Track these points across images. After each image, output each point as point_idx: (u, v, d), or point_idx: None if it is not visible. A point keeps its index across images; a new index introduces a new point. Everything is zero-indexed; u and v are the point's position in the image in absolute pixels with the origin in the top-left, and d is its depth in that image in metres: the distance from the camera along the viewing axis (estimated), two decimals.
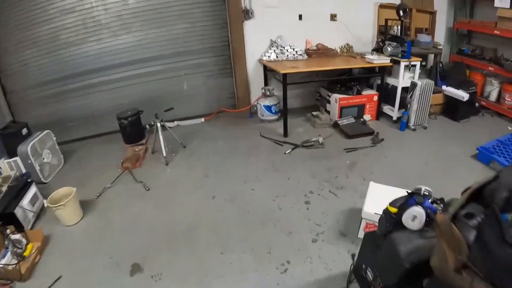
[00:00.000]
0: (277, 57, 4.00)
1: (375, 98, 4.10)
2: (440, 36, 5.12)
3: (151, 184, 3.04)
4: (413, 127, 3.99)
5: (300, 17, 4.18)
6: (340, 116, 4.05)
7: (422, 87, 3.72)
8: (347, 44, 4.49)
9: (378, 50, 4.05)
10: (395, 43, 3.72)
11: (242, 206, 2.72)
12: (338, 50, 4.46)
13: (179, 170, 3.31)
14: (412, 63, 3.77)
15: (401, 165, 3.27)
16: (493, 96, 4.78)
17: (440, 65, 4.81)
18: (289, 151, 3.49)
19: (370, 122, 4.21)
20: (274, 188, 2.93)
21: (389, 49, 3.73)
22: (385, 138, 3.75)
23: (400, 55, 3.78)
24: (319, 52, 4.19)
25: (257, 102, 4.12)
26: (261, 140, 3.81)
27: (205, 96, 4.44)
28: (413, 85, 3.72)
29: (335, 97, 4.03)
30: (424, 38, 4.47)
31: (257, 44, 4.12)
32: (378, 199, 2.28)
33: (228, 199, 2.82)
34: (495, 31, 4.38)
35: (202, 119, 4.39)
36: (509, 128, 4.29)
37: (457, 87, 4.38)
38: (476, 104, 4.58)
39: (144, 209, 2.73)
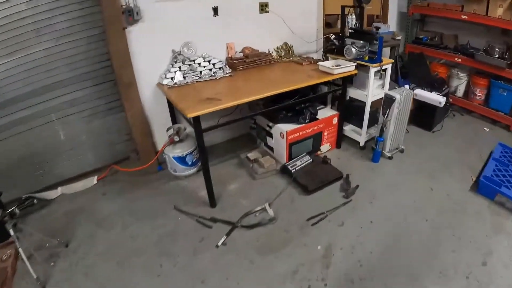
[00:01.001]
0: (184, 77, 2.52)
1: (335, 120, 2.89)
2: (391, 23, 4.12)
3: None
4: (389, 155, 2.90)
5: (216, 11, 2.74)
6: (290, 156, 2.76)
7: (401, 101, 2.61)
8: (286, 44, 3.19)
9: (333, 51, 2.82)
10: (361, 42, 2.50)
11: None
12: (274, 54, 3.13)
13: None
14: (383, 67, 2.61)
15: (396, 234, 2.13)
16: (461, 91, 3.98)
17: (400, 60, 3.81)
18: (223, 240, 2.10)
19: (330, 152, 3.02)
20: None
21: (353, 50, 2.50)
22: (358, 182, 2.59)
23: (366, 58, 2.60)
24: (247, 61, 2.81)
25: (164, 152, 2.61)
26: (177, 217, 2.35)
27: (93, 144, 2.84)
28: (390, 100, 2.58)
29: (280, 129, 2.71)
30: (382, 28, 3.38)
31: (152, 61, 2.59)
32: None
33: None
34: (462, 16, 3.50)
35: (95, 179, 2.80)
36: (485, 129, 3.61)
37: (425, 87, 3.44)
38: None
39: None
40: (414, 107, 3.48)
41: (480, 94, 3.77)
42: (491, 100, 3.69)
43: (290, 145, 2.68)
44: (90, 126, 2.75)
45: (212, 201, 2.36)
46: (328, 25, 3.37)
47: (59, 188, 2.66)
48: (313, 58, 3.01)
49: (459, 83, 3.93)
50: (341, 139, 3.05)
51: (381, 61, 2.55)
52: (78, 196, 2.63)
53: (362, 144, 3.00)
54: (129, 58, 2.50)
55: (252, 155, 2.75)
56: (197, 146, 2.61)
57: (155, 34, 2.53)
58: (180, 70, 2.53)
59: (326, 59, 3.02)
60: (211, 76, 2.57)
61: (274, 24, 3.05)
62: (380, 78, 2.74)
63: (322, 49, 3.36)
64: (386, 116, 2.64)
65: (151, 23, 2.49)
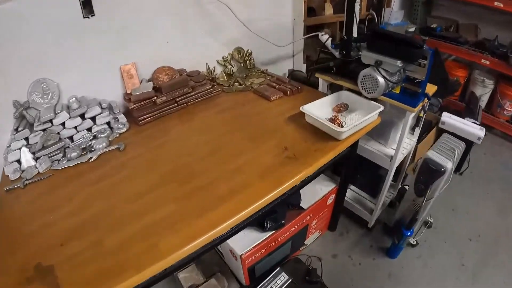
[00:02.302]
0: (36, 160, 1.08)
1: (331, 199, 1.63)
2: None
3: None
4: (413, 242, 1.76)
5: (88, 6, 1.24)
6: (252, 277, 1.45)
7: (452, 170, 1.42)
8: (239, 51, 1.80)
9: (330, 70, 1.46)
10: (398, 62, 1.11)
11: None
12: (218, 72, 1.75)
13: None
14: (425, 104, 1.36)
15: None
16: (483, 102, 2.91)
17: None
18: None
19: (320, 242, 1.81)
20: None
21: (381, 81, 1.17)
22: None
23: (398, 90, 1.31)
24: (159, 101, 1.40)
25: None
26: None
27: None
28: (436, 171, 1.37)
29: (228, 247, 1.34)
30: (394, 16, 2.10)
31: None
32: None
33: None
34: (496, 3, 2.37)
35: None
36: None
37: (439, 97, 2.36)
38: None
39: None
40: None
41: (509, 108, 2.75)
42: None
43: (251, 268, 1.39)
44: None
45: None
46: (310, 11, 2.00)
47: None
48: (289, 80, 1.67)
49: (484, 93, 2.84)
50: (337, 219, 1.82)
51: (428, 98, 1.30)
52: None
53: (371, 224, 1.81)
54: None
55: (186, 276, 1.45)
56: None
57: None
58: (28, 145, 1.10)
59: (310, 79, 1.69)
60: (85, 151, 1.14)
61: (215, 16, 1.63)
62: (417, 124, 1.50)
63: (302, 53, 2.02)
64: (425, 197, 1.44)
65: None
